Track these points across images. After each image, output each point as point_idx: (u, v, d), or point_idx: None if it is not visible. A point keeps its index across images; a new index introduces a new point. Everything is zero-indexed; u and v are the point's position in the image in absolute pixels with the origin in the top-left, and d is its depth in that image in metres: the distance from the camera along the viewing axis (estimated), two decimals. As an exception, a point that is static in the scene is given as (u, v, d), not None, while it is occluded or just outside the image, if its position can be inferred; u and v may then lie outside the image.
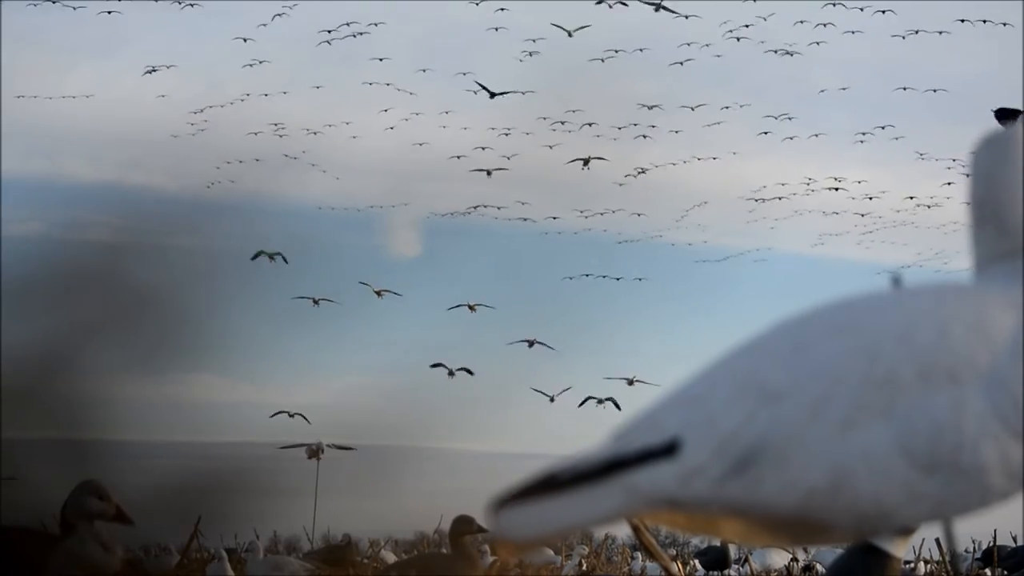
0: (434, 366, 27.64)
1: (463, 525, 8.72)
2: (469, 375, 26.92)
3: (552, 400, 28.03)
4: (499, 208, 32.77)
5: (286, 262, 26.47)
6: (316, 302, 27.26)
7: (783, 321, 2.72)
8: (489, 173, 30.89)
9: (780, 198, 34.31)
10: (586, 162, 30.70)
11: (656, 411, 2.64)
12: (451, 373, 27.87)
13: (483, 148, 31.86)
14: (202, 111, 32.50)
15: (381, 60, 32.72)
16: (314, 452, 25.36)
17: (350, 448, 25.53)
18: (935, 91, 32.30)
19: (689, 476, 2.54)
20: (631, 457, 2.56)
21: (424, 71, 32.73)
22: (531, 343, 28.40)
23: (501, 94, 30.16)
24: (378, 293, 28.91)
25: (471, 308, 29.38)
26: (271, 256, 26.70)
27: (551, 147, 31.32)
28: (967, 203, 2.86)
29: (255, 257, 26.07)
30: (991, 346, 2.56)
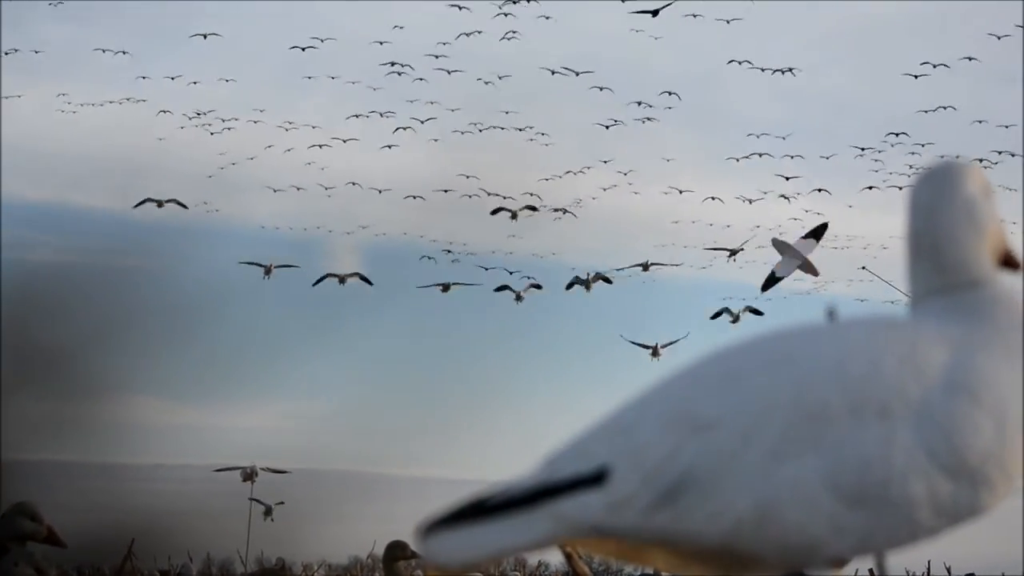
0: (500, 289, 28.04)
1: (396, 550, 8.69)
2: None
3: (519, 299, 28.01)
4: (433, 240, 32.50)
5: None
6: (268, 273, 27.53)
7: (716, 351, 2.72)
8: (514, 215, 30.27)
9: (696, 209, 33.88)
10: (514, 215, 30.25)
11: (586, 439, 2.64)
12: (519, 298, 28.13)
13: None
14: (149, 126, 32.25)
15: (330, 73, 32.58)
16: (248, 475, 25.27)
17: (284, 472, 25.48)
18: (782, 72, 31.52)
19: (617, 505, 2.55)
20: (560, 485, 2.57)
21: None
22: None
23: (664, 7, 28.77)
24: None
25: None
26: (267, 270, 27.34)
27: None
28: (905, 236, 2.83)
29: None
30: (923, 381, 2.57)
